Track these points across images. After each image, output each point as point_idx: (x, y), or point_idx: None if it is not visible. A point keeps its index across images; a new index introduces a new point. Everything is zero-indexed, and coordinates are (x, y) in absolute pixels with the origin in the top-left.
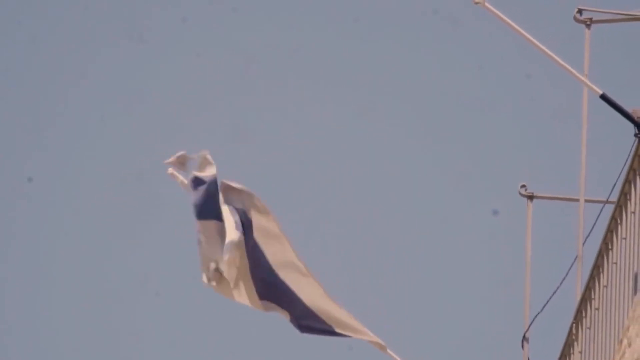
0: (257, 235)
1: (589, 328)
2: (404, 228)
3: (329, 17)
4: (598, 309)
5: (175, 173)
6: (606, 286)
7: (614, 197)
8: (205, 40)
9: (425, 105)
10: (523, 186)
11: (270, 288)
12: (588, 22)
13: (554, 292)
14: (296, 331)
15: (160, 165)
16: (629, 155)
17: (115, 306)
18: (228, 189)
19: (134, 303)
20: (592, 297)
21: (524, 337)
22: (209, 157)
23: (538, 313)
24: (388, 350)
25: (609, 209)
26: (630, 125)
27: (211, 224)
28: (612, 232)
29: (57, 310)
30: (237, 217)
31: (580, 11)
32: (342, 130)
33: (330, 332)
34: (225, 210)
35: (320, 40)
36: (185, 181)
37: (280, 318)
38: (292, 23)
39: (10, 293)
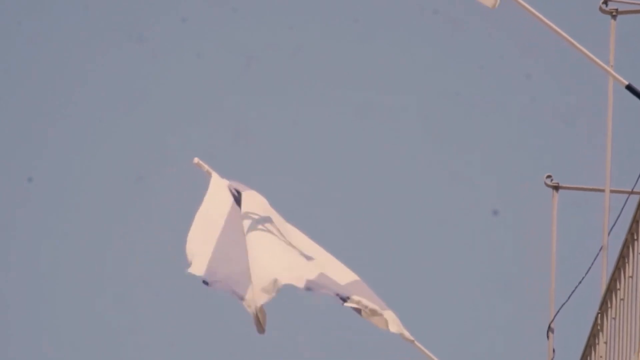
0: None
1: (614, 318)
2: (416, 223)
3: (329, 17)
4: (623, 299)
5: (202, 162)
6: (631, 276)
7: None
8: (205, 40)
9: (425, 105)
10: (549, 176)
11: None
12: (614, 13)
13: (579, 283)
14: (296, 331)
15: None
16: None
17: (115, 306)
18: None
19: (134, 303)
20: (618, 287)
21: (549, 327)
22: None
23: (564, 303)
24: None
25: (635, 200)
26: None
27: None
28: (637, 222)
29: (57, 310)
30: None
31: (606, 2)
32: (342, 130)
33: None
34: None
35: (320, 40)
36: (212, 171)
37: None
38: (292, 23)
39: (10, 293)
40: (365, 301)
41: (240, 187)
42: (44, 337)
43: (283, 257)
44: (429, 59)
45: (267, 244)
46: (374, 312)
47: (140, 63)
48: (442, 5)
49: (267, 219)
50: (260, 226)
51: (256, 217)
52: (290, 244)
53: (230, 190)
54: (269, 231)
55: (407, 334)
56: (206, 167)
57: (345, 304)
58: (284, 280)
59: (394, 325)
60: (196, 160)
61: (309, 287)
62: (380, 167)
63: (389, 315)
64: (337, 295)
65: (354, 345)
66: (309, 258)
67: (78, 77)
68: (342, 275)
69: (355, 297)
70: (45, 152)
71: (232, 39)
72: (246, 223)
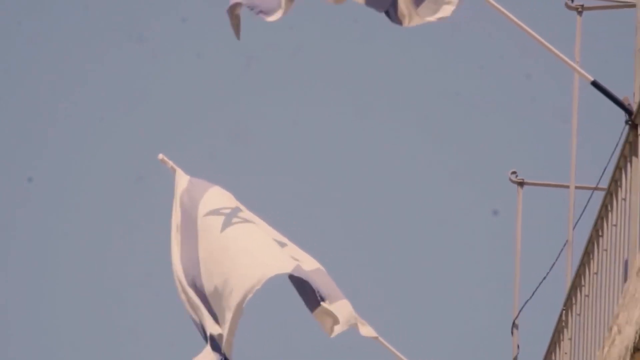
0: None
1: (579, 315)
2: (416, 223)
3: (329, 17)
4: (588, 295)
5: (166, 159)
6: (596, 273)
7: (605, 184)
8: (205, 40)
9: (425, 105)
10: (513, 173)
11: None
12: (579, 9)
13: (544, 279)
14: (297, 330)
15: (161, 165)
16: (619, 141)
17: (115, 306)
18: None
19: (134, 303)
20: (583, 283)
21: (513, 323)
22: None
23: (528, 300)
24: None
25: (600, 196)
26: (621, 112)
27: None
28: (602, 218)
29: (57, 310)
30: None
31: None
32: (342, 130)
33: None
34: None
35: (320, 40)
36: (176, 167)
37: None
38: (292, 23)
39: (10, 293)
40: (336, 312)
41: (201, 185)
42: (44, 337)
43: (264, 250)
44: (429, 59)
45: (247, 238)
46: (334, 320)
47: (140, 63)
48: None
49: (238, 210)
50: (234, 219)
51: (227, 210)
52: (265, 231)
53: (184, 194)
54: (246, 221)
55: (367, 329)
56: (170, 163)
57: (316, 310)
58: (270, 273)
59: (346, 320)
60: (161, 156)
61: (296, 274)
62: (380, 167)
63: (343, 308)
64: (317, 292)
65: (354, 345)
66: (282, 244)
67: (78, 77)
68: (308, 263)
69: (326, 306)
70: (45, 152)
71: (232, 39)
72: (219, 220)
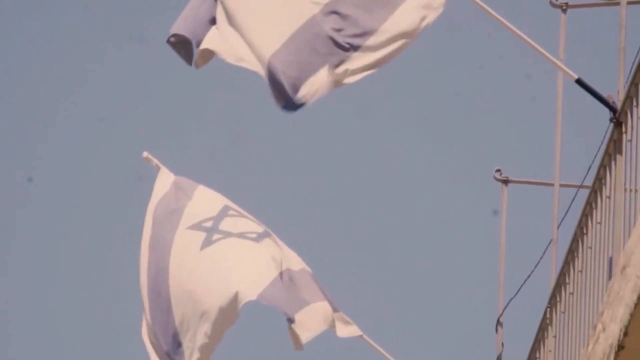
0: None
1: (564, 313)
2: (415, 223)
3: None
4: (573, 293)
5: (151, 156)
6: (581, 271)
7: (589, 182)
8: None
9: (425, 105)
10: (498, 170)
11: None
12: (564, 7)
13: (528, 276)
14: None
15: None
16: (603, 140)
17: (115, 306)
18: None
19: (133, 303)
20: (567, 281)
21: (498, 321)
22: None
23: (512, 297)
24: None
25: (584, 194)
26: (606, 110)
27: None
28: (587, 216)
29: (57, 310)
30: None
31: None
32: (342, 130)
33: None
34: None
35: None
36: (161, 165)
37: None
38: None
39: (10, 293)
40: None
41: (186, 187)
42: (44, 337)
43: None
44: (429, 59)
45: (222, 263)
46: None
47: (140, 63)
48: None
49: (222, 216)
50: (215, 235)
51: (209, 224)
52: (246, 238)
53: (164, 201)
54: (227, 236)
55: (350, 329)
56: (155, 161)
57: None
58: (244, 299)
59: (321, 323)
60: (145, 154)
61: (263, 301)
62: (380, 167)
63: (317, 311)
64: (285, 315)
65: (354, 344)
66: (264, 239)
67: (78, 77)
68: (293, 262)
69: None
70: (45, 152)
71: None
72: (197, 238)
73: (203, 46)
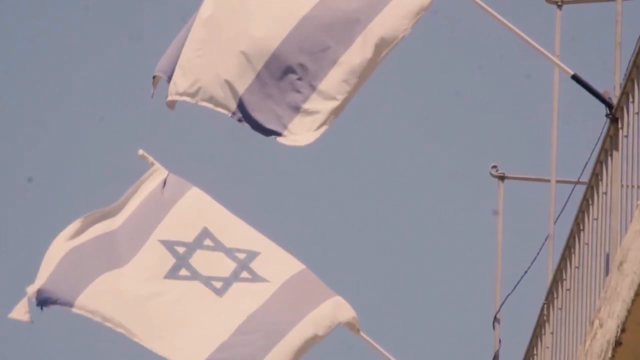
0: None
1: (561, 309)
2: (415, 222)
3: None
4: (570, 289)
5: (146, 154)
6: (578, 267)
7: (586, 178)
8: None
9: (425, 105)
10: (494, 167)
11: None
12: (559, 3)
13: (525, 273)
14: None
15: (160, 165)
16: (600, 135)
17: None
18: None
19: None
20: (564, 277)
21: (495, 318)
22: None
23: (509, 294)
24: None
25: (581, 190)
26: (602, 106)
27: None
28: (583, 212)
29: (57, 310)
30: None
31: None
32: (342, 130)
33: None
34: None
35: None
36: (155, 162)
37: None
38: None
39: (10, 293)
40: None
41: (177, 187)
42: (44, 337)
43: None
44: (429, 59)
45: (177, 310)
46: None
47: (140, 63)
48: (441, 5)
49: (193, 249)
50: (181, 271)
51: (182, 250)
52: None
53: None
54: (190, 278)
55: (355, 323)
56: (150, 158)
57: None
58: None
59: (335, 317)
60: (141, 152)
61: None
62: (380, 167)
63: (335, 304)
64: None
65: (354, 345)
66: (227, 285)
67: (78, 77)
68: (287, 266)
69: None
70: (45, 152)
71: None
72: (166, 262)
73: (170, 89)
